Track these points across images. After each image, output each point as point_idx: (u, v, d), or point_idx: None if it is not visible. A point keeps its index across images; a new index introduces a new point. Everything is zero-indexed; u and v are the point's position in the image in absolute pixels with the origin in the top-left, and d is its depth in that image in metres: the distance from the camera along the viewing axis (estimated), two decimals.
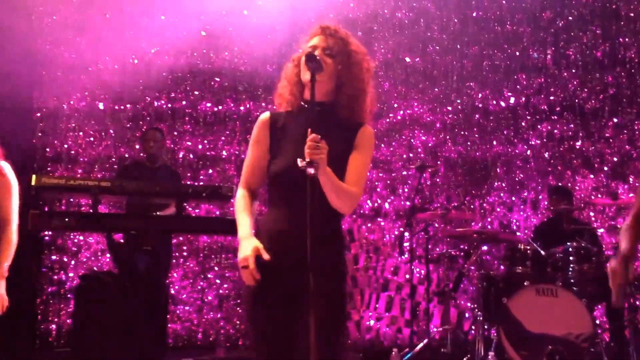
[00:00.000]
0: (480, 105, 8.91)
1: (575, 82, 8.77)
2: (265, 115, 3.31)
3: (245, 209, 3.20)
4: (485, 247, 7.75)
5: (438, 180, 8.80)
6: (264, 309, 3.09)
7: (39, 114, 8.61)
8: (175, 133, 8.80)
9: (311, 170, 2.79)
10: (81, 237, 8.45)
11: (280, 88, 3.35)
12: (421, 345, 7.00)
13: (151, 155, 7.26)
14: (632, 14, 8.73)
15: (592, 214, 8.42)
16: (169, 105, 8.87)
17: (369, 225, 8.78)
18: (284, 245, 3.06)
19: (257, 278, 2.99)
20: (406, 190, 8.77)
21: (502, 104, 8.88)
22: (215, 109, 8.95)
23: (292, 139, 3.13)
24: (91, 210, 4.78)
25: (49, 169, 8.50)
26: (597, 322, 6.35)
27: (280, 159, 3.14)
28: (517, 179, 8.71)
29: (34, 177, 4.56)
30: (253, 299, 3.11)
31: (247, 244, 3.04)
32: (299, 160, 2.82)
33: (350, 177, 3.12)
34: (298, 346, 2.96)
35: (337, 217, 3.19)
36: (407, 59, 8.94)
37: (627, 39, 8.73)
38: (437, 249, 8.13)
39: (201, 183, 8.45)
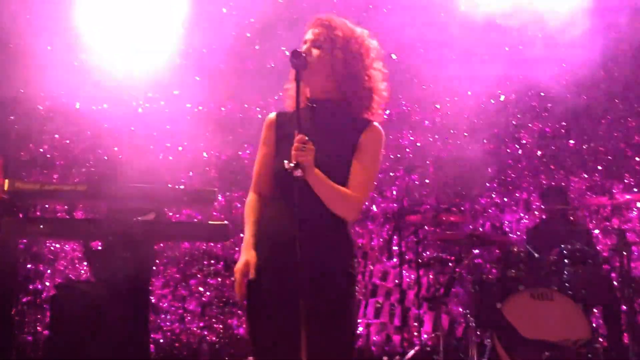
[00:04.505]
0: (470, 104, 8.71)
1: (567, 79, 8.58)
2: (272, 115, 3.26)
3: (251, 216, 3.15)
4: (477, 250, 7.63)
5: (427, 181, 8.61)
6: (262, 316, 3.00)
7: (12, 117, 8.34)
8: (155, 134, 8.52)
9: (298, 172, 2.81)
10: (57, 245, 8.21)
11: (288, 87, 3.26)
12: (412, 352, 6.95)
13: None
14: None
15: (586, 214, 8.28)
16: (147, 105, 8.58)
17: (357, 229, 8.56)
18: (280, 253, 2.96)
19: (241, 295, 2.98)
20: (394, 192, 8.58)
21: (492, 101, 8.68)
22: (196, 110, 8.69)
23: (291, 138, 2.97)
24: (67, 216, 4.66)
25: (23, 174, 8.23)
26: (594, 326, 6.22)
27: (279, 159, 3.01)
28: (508, 179, 8.54)
29: (6, 182, 4.45)
30: (252, 306, 3.05)
31: (242, 257, 3.02)
32: (285, 162, 2.83)
33: (352, 181, 3.01)
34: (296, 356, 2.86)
35: (340, 222, 3.03)
36: (394, 56, 8.77)
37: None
38: (427, 253, 7.99)
39: (182, 187, 8.23)
